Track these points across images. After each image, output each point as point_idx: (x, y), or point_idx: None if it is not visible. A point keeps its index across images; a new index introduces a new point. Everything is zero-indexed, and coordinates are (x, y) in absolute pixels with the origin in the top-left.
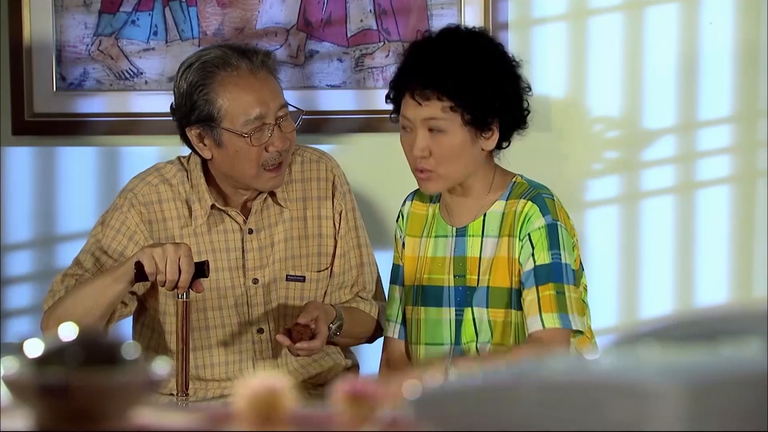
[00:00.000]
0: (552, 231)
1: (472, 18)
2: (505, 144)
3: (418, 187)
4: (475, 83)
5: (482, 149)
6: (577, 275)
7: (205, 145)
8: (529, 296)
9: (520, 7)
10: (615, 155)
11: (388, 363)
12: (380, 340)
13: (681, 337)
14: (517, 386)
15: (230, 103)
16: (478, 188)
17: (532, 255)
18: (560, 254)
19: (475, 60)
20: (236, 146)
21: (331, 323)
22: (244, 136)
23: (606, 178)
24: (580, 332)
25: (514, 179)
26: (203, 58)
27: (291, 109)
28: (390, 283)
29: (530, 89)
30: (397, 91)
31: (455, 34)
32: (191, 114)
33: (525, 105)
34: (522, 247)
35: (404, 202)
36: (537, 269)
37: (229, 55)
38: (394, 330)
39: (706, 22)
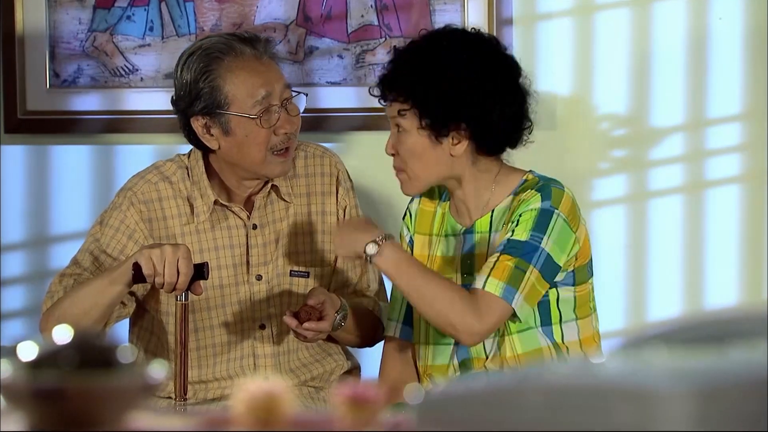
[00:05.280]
0: (543, 215)
1: (475, 14)
2: (508, 147)
3: None
4: (432, 89)
5: (451, 155)
6: (581, 274)
7: (211, 135)
8: (490, 259)
9: (525, 2)
10: (622, 154)
11: (388, 362)
12: (381, 343)
13: (689, 339)
14: (522, 390)
15: (237, 88)
16: (475, 186)
17: (513, 230)
18: (541, 238)
19: (439, 64)
20: (245, 130)
21: (337, 312)
22: (253, 118)
23: (613, 177)
24: (517, 318)
25: (524, 176)
26: (205, 45)
27: (295, 95)
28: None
29: (528, 97)
30: (381, 91)
31: (440, 35)
32: (196, 103)
33: (521, 109)
34: (509, 226)
35: (412, 199)
36: (509, 241)
37: (232, 42)
38: (395, 329)
39: (715, 17)
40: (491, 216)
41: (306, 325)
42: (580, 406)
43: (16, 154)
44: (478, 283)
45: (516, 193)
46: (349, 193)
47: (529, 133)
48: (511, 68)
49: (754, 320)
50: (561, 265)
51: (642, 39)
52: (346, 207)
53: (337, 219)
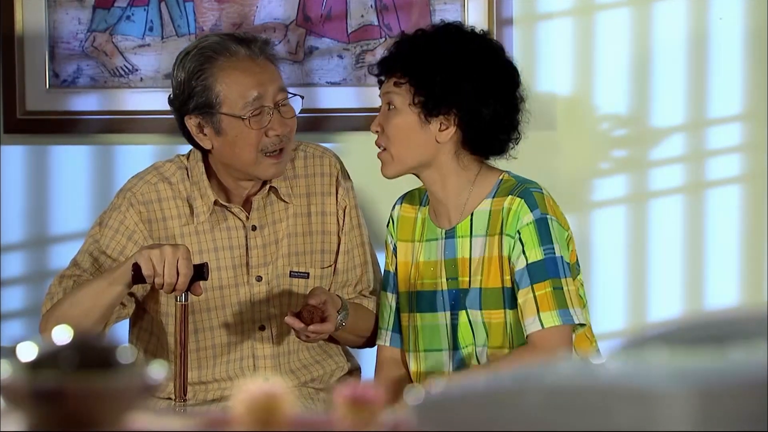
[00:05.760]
0: (542, 225)
1: (475, 14)
2: (493, 153)
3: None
4: (429, 66)
5: (437, 140)
6: (573, 270)
7: (204, 134)
8: (525, 296)
9: (525, 2)
10: (622, 154)
11: (382, 369)
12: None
13: (690, 340)
14: (522, 391)
15: (228, 88)
16: (455, 185)
17: (523, 253)
18: (553, 248)
19: (440, 48)
20: (236, 131)
21: (338, 312)
22: (243, 119)
23: (613, 178)
24: (582, 325)
25: (501, 177)
26: (201, 45)
27: (291, 96)
28: (381, 290)
29: (522, 101)
30: (379, 75)
31: (446, 26)
32: (189, 102)
33: (511, 115)
34: (513, 245)
35: (393, 206)
36: (530, 267)
37: (228, 42)
38: (385, 338)
39: (716, 17)
40: (471, 219)
41: (311, 327)
42: (580, 406)
43: (15, 154)
44: (535, 326)
45: (494, 196)
46: (349, 193)
47: (516, 144)
48: (512, 74)
49: (755, 321)
50: (570, 263)
51: (642, 39)
52: (345, 207)
53: (337, 219)
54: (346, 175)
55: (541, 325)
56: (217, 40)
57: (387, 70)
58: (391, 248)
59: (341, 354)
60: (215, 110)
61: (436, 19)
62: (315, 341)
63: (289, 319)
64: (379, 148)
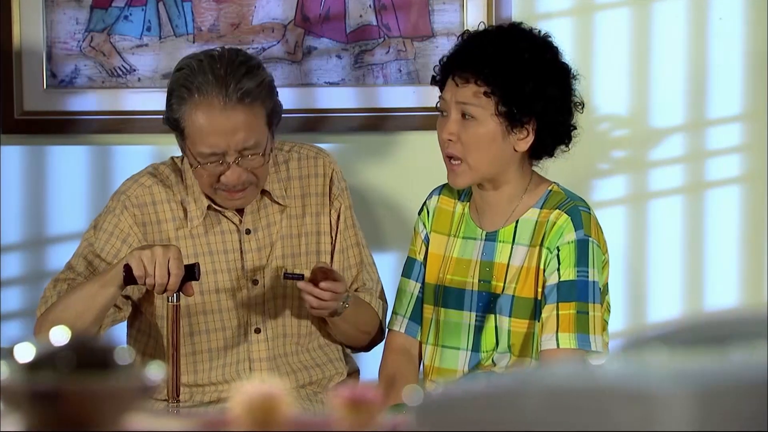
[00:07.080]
0: (582, 247)
1: (474, 14)
2: (546, 156)
3: (431, 188)
4: (517, 75)
5: (514, 149)
6: (603, 294)
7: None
8: (549, 312)
9: (525, 2)
10: (622, 154)
11: (390, 356)
12: (378, 348)
13: (690, 341)
14: (522, 392)
15: (191, 128)
16: (510, 192)
17: (558, 270)
18: (587, 271)
19: (523, 54)
20: (191, 165)
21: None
22: (192, 165)
23: (613, 178)
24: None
25: (550, 187)
26: (186, 66)
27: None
28: (402, 276)
29: (582, 106)
30: (442, 74)
31: (514, 27)
32: (169, 115)
33: (571, 119)
34: (550, 259)
35: (430, 195)
36: (560, 285)
37: (210, 82)
38: (401, 324)
39: (716, 17)
40: (515, 226)
41: (323, 285)
42: (580, 407)
43: (13, 154)
44: (550, 343)
45: (541, 207)
46: (344, 193)
47: (567, 147)
48: (566, 66)
49: (755, 321)
50: (601, 287)
51: (642, 39)
52: (340, 207)
53: (330, 220)
54: (341, 175)
55: (557, 344)
56: (201, 78)
57: (465, 75)
58: (422, 237)
59: (341, 359)
60: (181, 136)
61: (435, 19)
62: (323, 313)
63: (302, 284)
64: (452, 158)
